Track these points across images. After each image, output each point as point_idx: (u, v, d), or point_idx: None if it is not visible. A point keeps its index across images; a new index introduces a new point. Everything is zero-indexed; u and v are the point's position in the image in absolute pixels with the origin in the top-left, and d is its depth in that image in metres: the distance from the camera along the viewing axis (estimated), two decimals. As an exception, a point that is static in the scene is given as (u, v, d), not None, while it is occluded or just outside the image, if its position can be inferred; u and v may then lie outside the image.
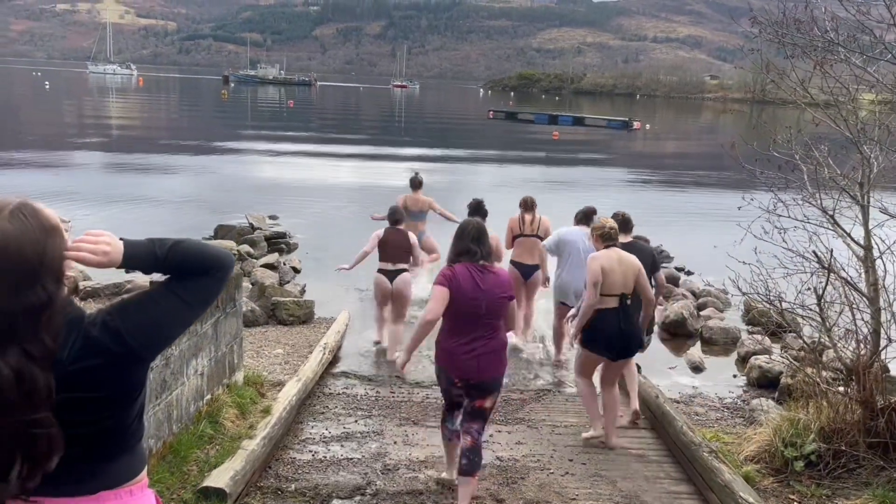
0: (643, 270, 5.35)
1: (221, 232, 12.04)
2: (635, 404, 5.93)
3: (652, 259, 6.00)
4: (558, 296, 7.05)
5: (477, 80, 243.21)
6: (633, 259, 5.33)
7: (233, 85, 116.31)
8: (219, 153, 26.99)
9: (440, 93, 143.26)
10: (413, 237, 7.42)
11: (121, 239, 1.58)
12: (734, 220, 5.95)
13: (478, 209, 7.07)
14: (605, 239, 5.37)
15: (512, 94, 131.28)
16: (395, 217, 7.48)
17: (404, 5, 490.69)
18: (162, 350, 1.67)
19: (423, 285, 7.82)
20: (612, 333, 5.21)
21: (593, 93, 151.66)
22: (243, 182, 20.05)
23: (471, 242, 4.19)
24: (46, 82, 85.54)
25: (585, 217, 6.91)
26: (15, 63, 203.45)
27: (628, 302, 5.24)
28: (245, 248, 11.10)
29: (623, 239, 5.79)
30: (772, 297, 5.38)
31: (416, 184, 8.84)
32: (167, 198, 16.68)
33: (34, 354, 1.41)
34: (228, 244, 10.74)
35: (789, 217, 5.68)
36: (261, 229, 12.42)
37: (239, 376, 5.49)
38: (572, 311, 5.86)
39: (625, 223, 6.06)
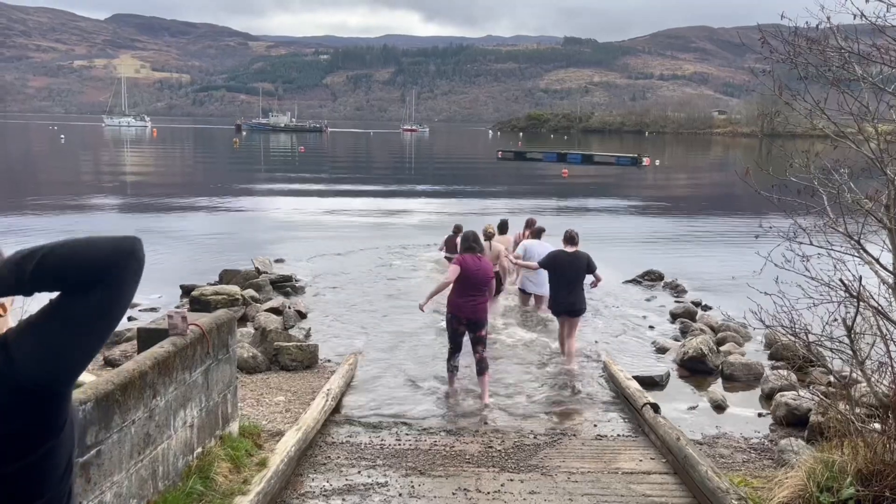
0: (503, 252, 10.16)
1: (226, 277, 11.83)
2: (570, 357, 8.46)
3: (588, 261, 8.51)
4: (524, 285, 10.82)
5: (486, 123, 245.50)
6: (498, 246, 10.11)
7: (245, 133, 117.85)
8: (229, 199, 27.03)
9: (450, 136, 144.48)
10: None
11: None
12: (751, 249, 5.68)
13: (503, 225, 11.78)
14: (485, 236, 9.59)
15: (521, 134, 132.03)
16: (456, 233, 12.03)
17: (412, 52, 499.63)
18: (69, 381, 1.33)
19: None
20: None
21: (602, 131, 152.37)
22: (252, 227, 19.98)
23: (472, 243, 7.26)
24: (62, 136, 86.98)
25: (539, 233, 10.84)
26: (33, 118, 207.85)
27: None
28: (249, 292, 10.87)
29: (570, 249, 8.57)
30: (797, 330, 5.05)
31: (457, 229, 12.56)
32: (176, 245, 16.57)
33: None
34: (233, 289, 10.52)
35: (811, 244, 5.39)
36: (266, 273, 12.21)
37: (234, 427, 5.19)
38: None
39: (571, 239, 8.66)
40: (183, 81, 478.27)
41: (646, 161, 53.97)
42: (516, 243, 11.28)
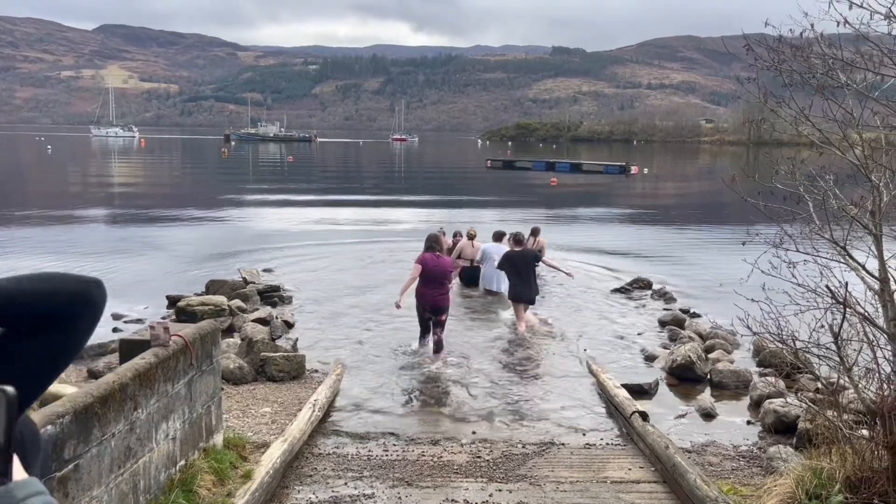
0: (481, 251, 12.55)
1: (213, 287, 11.73)
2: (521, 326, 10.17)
3: (534, 255, 10.81)
4: (484, 284, 12.45)
5: (475, 132, 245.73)
6: (479, 245, 12.61)
7: (234, 143, 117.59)
8: (217, 209, 26.90)
9: (439, 145, 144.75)
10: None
11: None
12: (739, 256, 5.69)
13: (500, 235, 12.57)
14: (468, 237, 12.82)
15: (510, 143, 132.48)
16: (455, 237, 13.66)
17: (402, 61, 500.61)
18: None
19: None
20: (464, 276, 12.26)
21: (590, 140, 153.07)
22: (240, 237, 19.85)
23: (433, 243, 8.69)
24: (49, 146, 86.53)
25: (498, 237, 12.59)
26: (20, 129, 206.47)
27: (473, 263, 12.60)
28: (236, 302, 10.78)
29: (519, 248, 10.51)
30: (784, 336, 5.04)
31: (456, 234, 13.88)
32: (162, 255, 16.44)
33: None
34: (219, 300, 10.44)
35: (798, 251, 5.39)
36: (254, 283, 12.12)
37: (218, 439, 5.12)
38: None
39: (518, 241, 10.62)
40: (171, 92, 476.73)
41: (634, 169, 54.21)
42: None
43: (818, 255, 5.31)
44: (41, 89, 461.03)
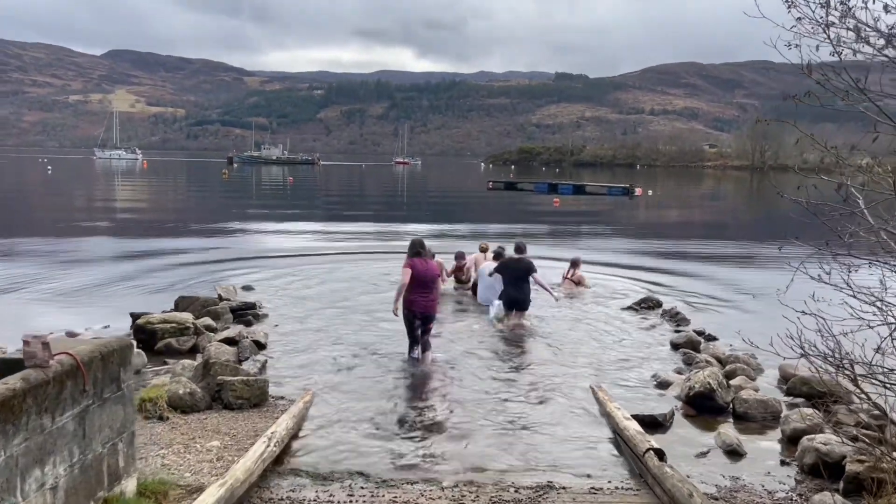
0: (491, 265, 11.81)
1: (182, 304, 10.73)
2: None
3: (528, 265, 10.65)
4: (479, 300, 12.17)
5: (478, 156, 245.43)
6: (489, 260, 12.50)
7: (236, 166, 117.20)
8: (210, 229, 26.02)
9: (442, 168, 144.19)
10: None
11: None
12: (759, 267, 4.72)
13: (500, 254, 12.20)
14: (480, 250, 13.46)
15: (513, 167, 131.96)
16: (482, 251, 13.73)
17: (406, 87, 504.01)
18: None
19: None
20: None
21: (594, 164, 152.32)
22: (227, 256, 18.88)
23: (419, 248, 8.58)
24: (49, 167, 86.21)
25: (497, 255, 12.24)
26: (26, 152, 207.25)
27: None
28: (205, 321, 9.78)
29: (517, 256, 10.88)
30: (840, 359, 4.04)
31: (510, 252, 13.04)
32: (143, 274, 15.50)
33: None
34: (184, 317, 9.44)
35: (850, 254, 4.42)
36: (228, 300, 11.13)
37: (128, 485, 4.10)
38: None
39: (518, 248, 11.13)
40: (177, 116, 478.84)
41: (638, 191, 53.34)
42: (569, 279, 13.94)
43: (875, 261, 4.35)
44: (49, 113, 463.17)
